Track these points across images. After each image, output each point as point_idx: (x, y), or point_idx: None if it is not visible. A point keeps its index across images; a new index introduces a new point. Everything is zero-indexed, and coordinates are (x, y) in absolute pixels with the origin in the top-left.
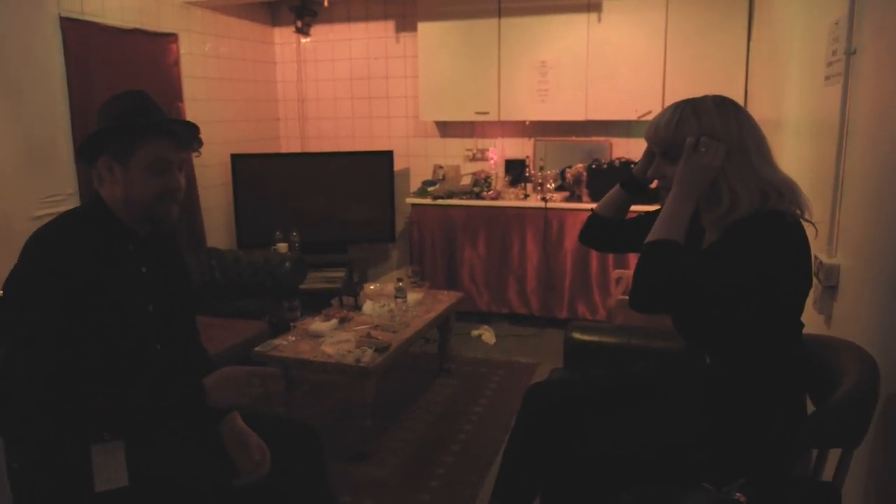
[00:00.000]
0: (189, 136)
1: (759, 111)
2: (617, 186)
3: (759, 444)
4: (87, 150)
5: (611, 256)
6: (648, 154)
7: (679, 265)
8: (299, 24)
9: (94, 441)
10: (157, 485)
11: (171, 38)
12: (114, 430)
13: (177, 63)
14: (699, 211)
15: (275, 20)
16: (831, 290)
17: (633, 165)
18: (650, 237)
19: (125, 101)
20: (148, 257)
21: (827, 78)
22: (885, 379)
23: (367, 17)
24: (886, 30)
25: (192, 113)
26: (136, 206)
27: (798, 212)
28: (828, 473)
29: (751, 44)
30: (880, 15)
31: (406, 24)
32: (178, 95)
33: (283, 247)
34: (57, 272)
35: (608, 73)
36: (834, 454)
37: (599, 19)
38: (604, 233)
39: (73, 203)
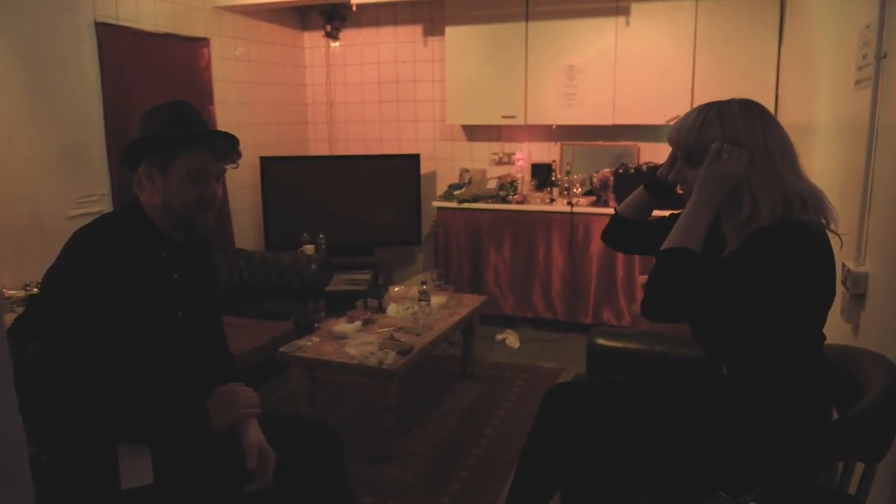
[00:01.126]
0: (228, 147)
1: (789, 116)
2: (640, 188)
3: (776, 454)
4: (130, 155)
5: (637, 262)
6: (672, 157)
7: (692, 273)
8: (328, 28)
9: (121, 440)
10: (180, 485)
11: (203, 42)
12: (131, 435)
13: (208, 67)
14: (721, 218)
15: (304, 24)
16: (859, 298)
17: (657, 168)
18: (666, 244)
19: (169, 110)
20: (181, 264)
21: (857, 82)
22: None
23: (395, 22)
24: None
25: (222, 116)
26: (174, 212)
27: (823, 222)
28: (854, 487)
29: (781, 48)
30: None
31: (434, 28)
32: (209, 99)
33: (309, 249)
34: (91, 273)
35: (636, 77)
36: (860, 467)
37: (628, 23)
38: (625, 233)
39: (106, 204)
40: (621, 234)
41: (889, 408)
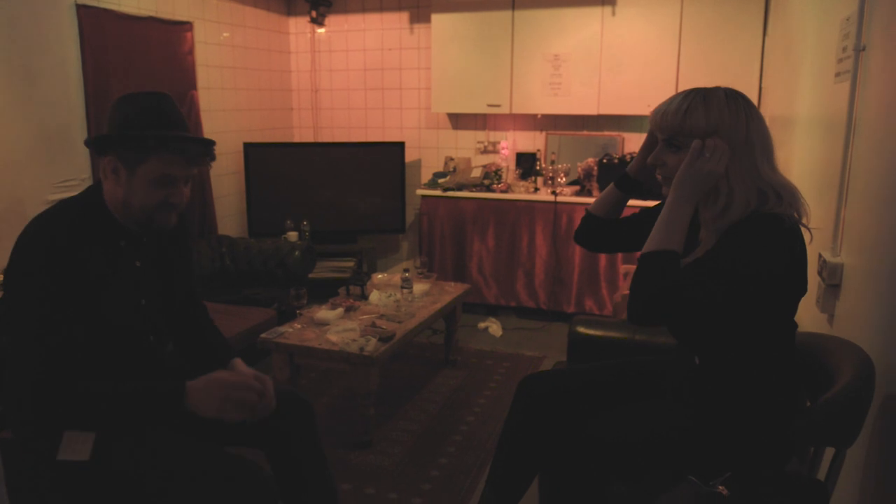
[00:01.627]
0: (203, 152)
1: (772, 108)
2: (611, 185)
3: (747, 440)
4: (96, 145)
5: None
6: (649, 143)
7: (676, 276)
8: (314, 13)
9: (84, 422)
10: (120, 464)
11: (186, 26)
12: (93, 422)
13: (191, 51)
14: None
15: (290, 10)
16: (834, 288)
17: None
18: (647, 247)
19: (145, 103)
20: (143, 252)
21: (837, 74)
22: (885, 379)
23: (381, 8)
24: (893, 27)
25: (205, 102)
26: (133, 211)
27: (796, 216)
28: (823, 472)
29: (766, 39)
30: (889, 11)
31: (420, 15)
32: (192, 84)
33: (293, 235)
34: (48, 261)
35: (621, 67)
36: (829, 452)
37: (614, 13)
38: (598, 232)
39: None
40: (594, 233)
41: (860, 395)
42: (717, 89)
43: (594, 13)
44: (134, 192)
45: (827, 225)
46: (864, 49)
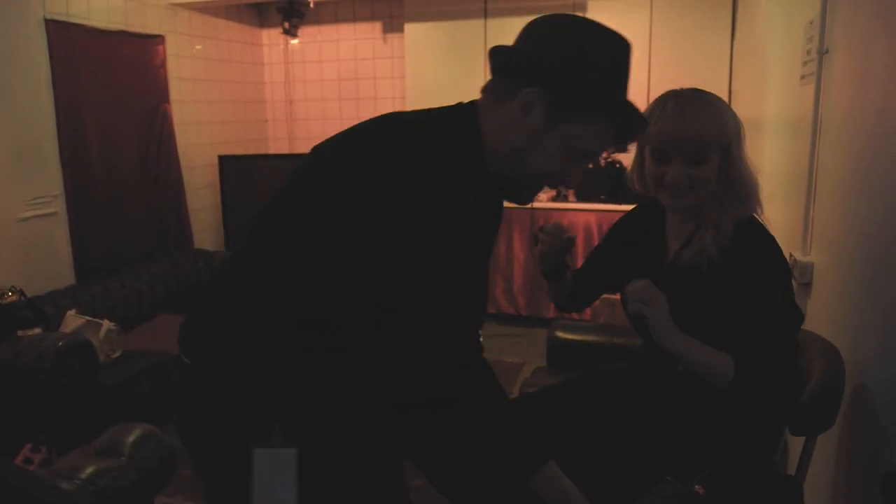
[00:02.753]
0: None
1: (742, 110)
2: (546, 282)
3: (731, 441)
4: (525, 64)
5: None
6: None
7: (764, 359)
8: (287, 25)
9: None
10: None
11: (158, 39)
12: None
13: (163, 65)
14: (666, 223)
15: (262, 21)
16: (806, 287)
17: (540, 231)
18: (719, 385)
19: (615, 52)
20: (484, 218)
21: (802, 77)
22: (856, 371)
23: (354, 19)
24: (855, 29)
25: (178, 115)
26: (520, 168)
27: (760, 210)
28: (793, 467)
29: (734, 43)
30: (850, 14)
31: (393, 24)
32: (164, 97)
33: None
34: (431, 207)
35: None
36: (795, 450)
37: None
38: (579, 298)
39: (59, 205)
40: (577, 299)
41: (834, 387)
42: (701, 91)
43: None
44: (541, 151)
45: (797, 225)
46: (827, 52)
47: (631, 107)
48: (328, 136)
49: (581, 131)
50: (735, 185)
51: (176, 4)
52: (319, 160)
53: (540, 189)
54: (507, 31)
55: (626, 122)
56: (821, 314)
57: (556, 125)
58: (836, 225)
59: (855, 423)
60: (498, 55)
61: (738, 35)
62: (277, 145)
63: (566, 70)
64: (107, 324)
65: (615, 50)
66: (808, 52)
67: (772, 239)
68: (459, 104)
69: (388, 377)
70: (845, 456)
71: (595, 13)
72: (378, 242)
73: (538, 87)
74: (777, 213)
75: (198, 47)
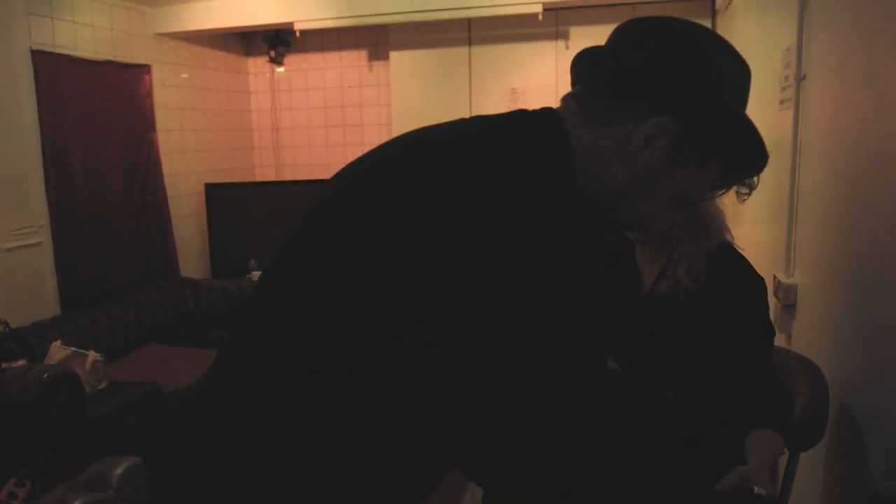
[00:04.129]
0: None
1: None
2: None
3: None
4: (652, 84)
5: None
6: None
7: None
8: (273, 53)
9: None
10: None
11: (144, 69)
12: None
13: (150, 94)
14: (624, 246)
15: (248, 50)
16: (790, 308)
17: None
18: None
19: (746, 79)
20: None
21: (781, 102)
22: (839, 391)
23: (339, 47)
24: (831, 56)
25: (165, 143)
26: (620, 207)
27: (730, 237)
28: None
29: None
30: (825, 42)
31: (379, 53)
32: (151, 126)
33: (257, 276)
34: (561, 261)
35: None
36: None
37: (567, 46)
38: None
39: (44, 235)
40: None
41: (819, 407)
42: None
43: (548, 47)
44: (647, 190)
45: (780, 247)
46: (804, 78)
47: (761, 144)
48: (314, 164)
49: (701, 176)
50: (700, 218)
51: (162, 34)
52: (361, 198)
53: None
54: (491, 57)
55: (747, 163)
56: (805, 335)
57: (679, 166)
58: (819, 246)
59: (840, 443)
60: (598, 62)
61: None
62: (264, 173)
63: (707, 99)
64: (92, 355)
65: (743, 72)
66: (787, 77)
67: (746, 263)
68: (537, 112)
69: (550, 450)
70: (830, 476)
71: (577, 41)
72: (500, 297)
73: (672, 119)
74: (761, 235)
75: (184, 76)
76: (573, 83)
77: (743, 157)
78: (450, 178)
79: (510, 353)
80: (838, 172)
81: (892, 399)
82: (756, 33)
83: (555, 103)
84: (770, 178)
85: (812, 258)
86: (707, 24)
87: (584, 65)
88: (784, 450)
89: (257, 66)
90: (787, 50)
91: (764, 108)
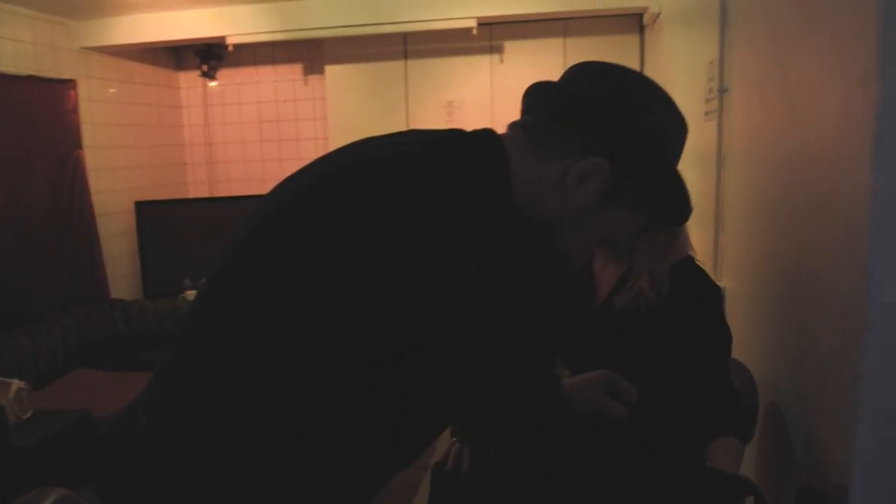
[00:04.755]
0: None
1: None
2: None
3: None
4: (595, 125)
5: None
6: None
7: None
8: (205, 67)
9: None
10: None
11: (69, 84)
12: None
13: (75, 109)
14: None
15: (179, 64)
16: None
17: None
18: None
19: (682, 132)
20: None
21: (706, 113)
22: (767, 389)
23: (274, 61)
24: (750, 70)
25: (92, 160)
26: (551, 239)
27: (692, 251)
28: None
29: None
30: (745, 56)
31: (313, 66)
32: (77, 143)
33: (191, 294)
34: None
35: (513, 110)
36: None
37: (502, 60)
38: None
39: None
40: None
41: (750, 406)
42: None
43: (483, 61)
44: (578, 227)
45: (707, 252)
46: (727, 90)
47: (687, 197)
48: (249, 179)
49: (626, 217)
50: (667, 234)
51: (89, 48)
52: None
53: None
54: (427, 71)
55: (672, 213)
56: (736, 338)
57: (608, 206)
58: (743, 251)
59: (769, 439)
60: (548, 96)
61: (646, 74)
62: (197, 189)
63: (643, 146)
64: (16, 383)
65: (682, 129)
66: (711, 90)
67: (704, 273)
68: (478, 133)
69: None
70: (761, 471)
71: (512, 54)
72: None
73: (606, 159)
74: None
75: (112, 91)
76: (523, 112)
77: (668, 207)
78: (390, 194)
79: (472, 358)
80: (759, 180)
81: (815, 398)
82: (682, 47)
83: (491, 115)
84: (697, 186)
85: (738, 263)
86: (635, 38)
87: (534, 96)
88: (742, 454)
89: (189, 80)
90: (711, 63)
91: (691, 119)
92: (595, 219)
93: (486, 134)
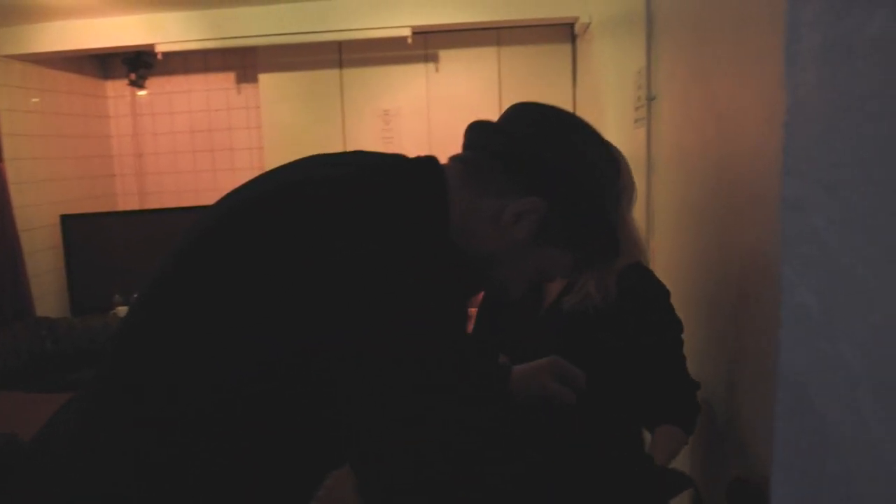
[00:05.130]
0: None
1: None
2: None
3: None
4: (531, 166)
5: None
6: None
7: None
8: (133, 76)
9: None
10: None
11: None
12: None
13: None
14: None
15: (106, 73)
16: None
17: None
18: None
19: (615, 176)
20: None
21: (636, 121)
22: (702, 390)
23: (206, 69)
24: (675, 79)
25: (14, 174)
26: (482, 268)
27: (644, 258)
28: None
29: (576, 90)
30: (671, 65)
31: (247, 75)
32: None
33: (123, 310)
34: (453, 316)
35: (449, 119)
36: None
37: (437, 69)
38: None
39: None
40: None
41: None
42: None
43: (419, 69)
44: (510, 261)
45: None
46: (654, 98)
47: (616, 240)
48: (182, 190)
49: (559, 256)
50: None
51: (8, 56)
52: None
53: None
54: (363, 79)
55: (601, 254)
56: None
57: (541, 245)
58: (673, 254)
59: (704, 436)
60: (489, 136)
61: (578, 83)
62: (127, 201)
63: (578, 189)
64: None
65: (617, 173)
66: (639, 98)
67: (651, 274)
68: (421, 161)
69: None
70: (697, 465)
71: (447, 63)
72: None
73: (542, 199)
74: None
75: (35, 100)
76: (464, 147)
77: (598, 248)
78: (327, 214)
79: (387, 388)
80: (686, 185)
81: (744, 395)
82: (611, 56)
83: (427, 124)
84: None
85: (669, 265)
86: (568, 48)
87: (475, 134)
88: (686, 443)
89: (117, 89)
90: (639, 72)
91: (621, 126)
92: (529, 256)
93: (429, 162)
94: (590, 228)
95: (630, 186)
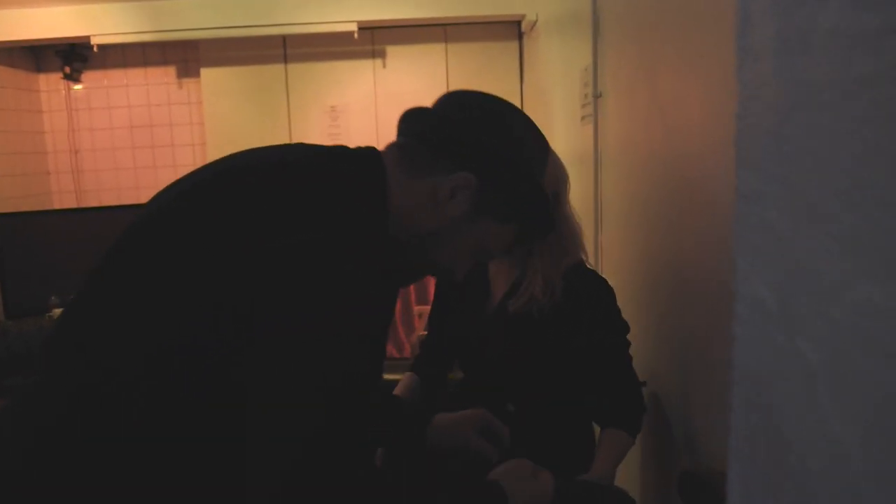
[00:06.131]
0: None
1: None
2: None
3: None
4: (459, 143)
5: (412, 293)
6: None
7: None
8: (68, 69)
9: None
10: None
11: None
12: None
13: None
14: (484, 265)
15: (39, 66)
16: None
17: None
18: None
19: (545, 152)
20: None
21: (583, 118)
22: (649, 383)
23: (145, 63)
24: (621, 76)
25: None
26: (422, 253)
27: (585, 255)
28: None
29: (524, 87)
30: (616, 63)
31: (188, 69)
32: None
33: (59, 313)
34: (368, 302)
35: (397, 116)
36: None
37: (384, 65)
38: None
39: None
40: (435, 368)
41: None
42: None
43: (366, 65)
44: (449, 238)
45: (589, 250)
46: (600, 95)
47: (549, 211)
48: (121, 188)
49: (498, 229)
50: (560, 236)
51: None
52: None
53: (422, 277)
54: (309, 75)
55: (536, 225)
56: None
57: (478, 219)
58: (622, 249)
59: (654, 428)
60: (421, 121)
61: (526, 80)
62: (63, 199)
63: (507, 162)
64: None
65: (545, 150)
66: (586, 95)
67: (602, 282)
68: (360, 150)
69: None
70: (647, 458)
71: (394, 59)
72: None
73: (473, 174)
74: None
75: None
76: (399, 135)
77: (533, 220)
78: (266, 202)
79: (300, 383)
80: (633, 181)
81: (695, 389)
82: (558, 53)
83: (375, 120)
84: (578, 187)
85: (617, 260)
86: (515, 45)
87: (409, 120)
88: (632, 444)
89: (50, 83)
90: (585, 69)
91: (568, 123)
92: (469, 231)
93: (368, 150)
94: (523, 199)
95: (564, 178)
